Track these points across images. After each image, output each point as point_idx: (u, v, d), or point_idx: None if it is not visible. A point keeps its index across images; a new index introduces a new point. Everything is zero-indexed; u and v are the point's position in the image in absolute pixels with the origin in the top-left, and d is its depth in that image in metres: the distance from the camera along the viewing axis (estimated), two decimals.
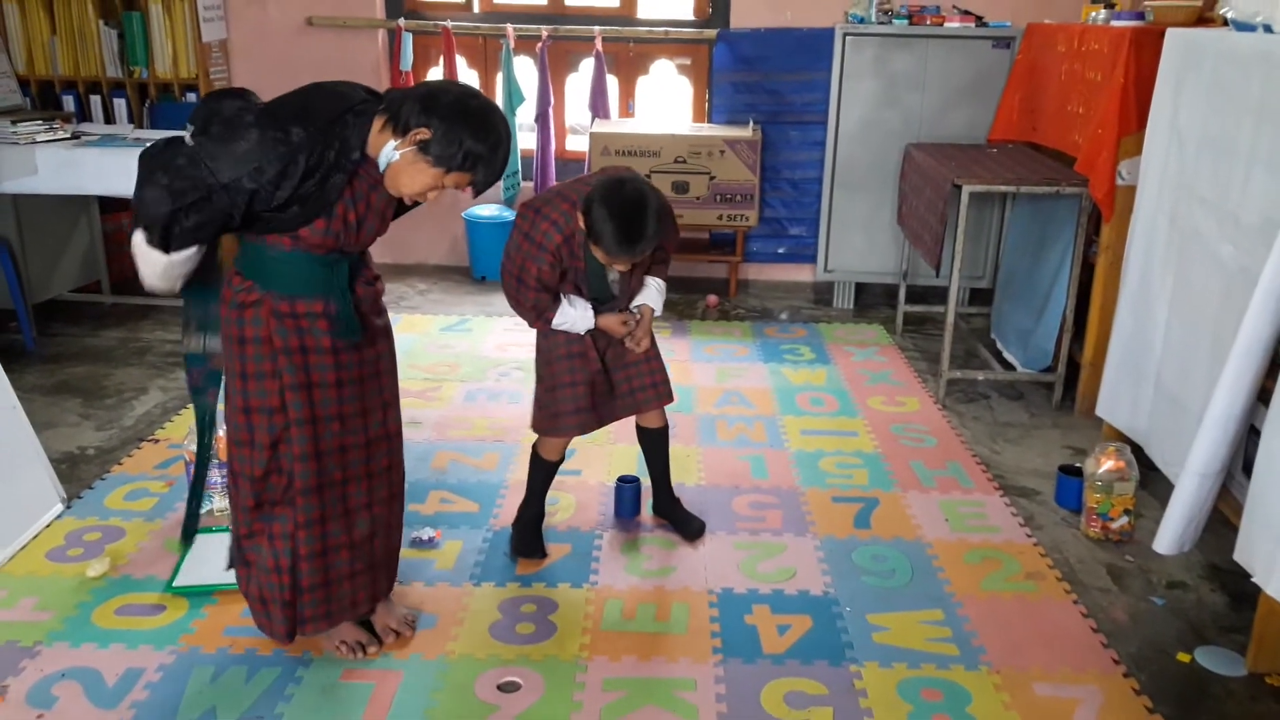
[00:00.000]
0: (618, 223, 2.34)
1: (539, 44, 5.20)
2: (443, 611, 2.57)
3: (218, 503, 2.98)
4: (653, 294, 2.71)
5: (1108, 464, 2.98)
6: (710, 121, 5.37)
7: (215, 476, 2.97)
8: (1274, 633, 2.38)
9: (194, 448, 2.97)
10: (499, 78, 5.26)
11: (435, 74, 5.47)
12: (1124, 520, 2.98)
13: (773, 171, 5.31)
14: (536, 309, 2.59)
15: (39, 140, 4.08)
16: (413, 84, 3.07)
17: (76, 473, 3.26)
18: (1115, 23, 3.65)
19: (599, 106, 5.28)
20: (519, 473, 3.08)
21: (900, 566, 2.83)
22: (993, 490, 3.29)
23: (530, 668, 2.37)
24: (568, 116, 5.60)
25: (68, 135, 4.22)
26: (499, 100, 5.16)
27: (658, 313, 2.75)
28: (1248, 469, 2.40)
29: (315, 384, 2.15)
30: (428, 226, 5.58)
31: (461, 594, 2.66)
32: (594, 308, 2.64)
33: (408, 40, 5.21)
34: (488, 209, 5.38)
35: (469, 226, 5.43)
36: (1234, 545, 2.34)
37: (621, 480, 3.09)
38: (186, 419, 3.62)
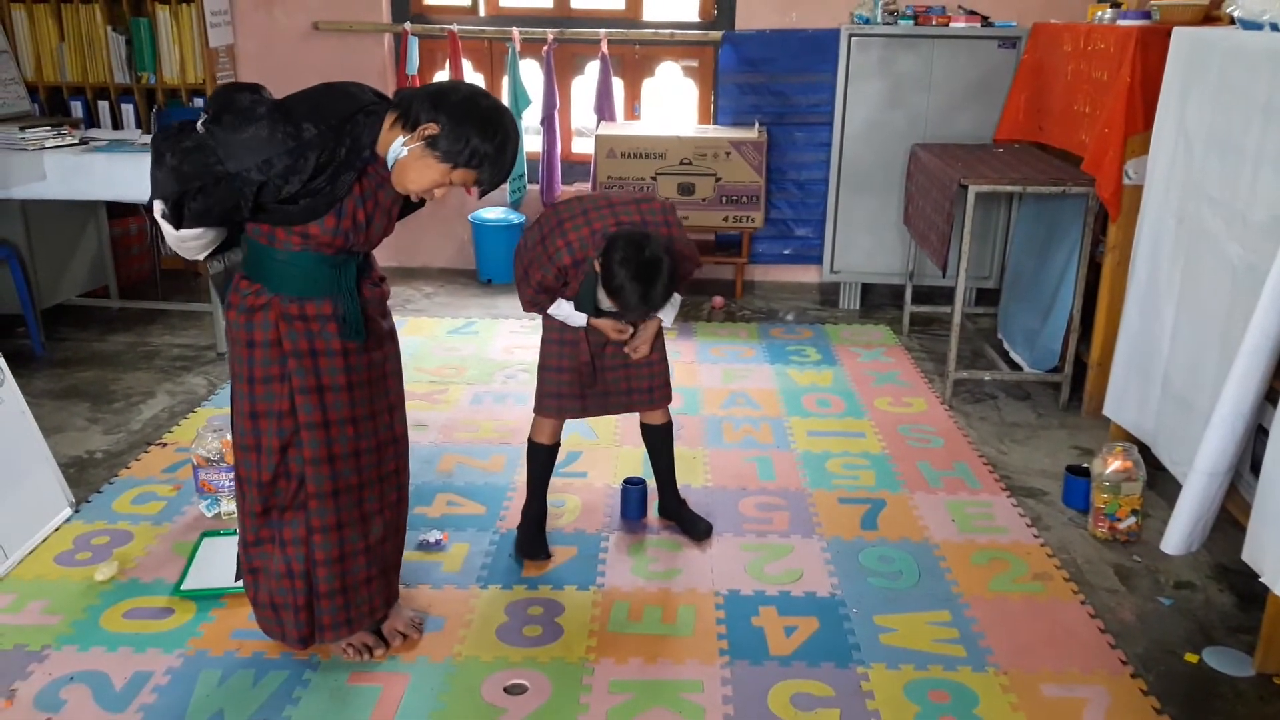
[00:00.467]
0: (634, 285, 2.45)
1: (544, 47, 5.20)
2: (450, 614, 2.57)
3: (224, 506, 2.99)
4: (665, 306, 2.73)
5: (1115, 464, 2.97)
6: (716, 123, 5.37)
7: (224, 480, 2.98)
8: None
9: (202, 451, 3.00)
10: (505, 81, 5.27)
11: (441, 78, 5.47)
12: (1131, 520, 2.97)
13: (778, 173, 5.31)
14: (534, 303, 2.68)
15: (47, 146, 4.10)
16: None
17: (85, 477, 3.27)
18: (1121, 22, 3.64)
19: (605, 109, 5.28)
20: (525, 475, 3.08)
21: (907, 568, 2.82)
22: (1000, 491, 3.28)
23: (537, 670, 2.37)
24: (573, 119, 5.61)
25: (76, 141, 4.24)
26: (505, 103, 5.15)
27: (667, 325, 2.77)
28: (1256, 468, 2.40)
29: (326, 387, 2.16)
30: (434, 229, 5.60)
31: (468, 596, 2.66)
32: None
33: (414, 44, 5.22)
34: (494, 212, 5.39)
35: (475, 229, 5.44)
36: (1242, 545, 2.33)
37: (628, 482, 3.09)
38: (194, 423, 3.64)
